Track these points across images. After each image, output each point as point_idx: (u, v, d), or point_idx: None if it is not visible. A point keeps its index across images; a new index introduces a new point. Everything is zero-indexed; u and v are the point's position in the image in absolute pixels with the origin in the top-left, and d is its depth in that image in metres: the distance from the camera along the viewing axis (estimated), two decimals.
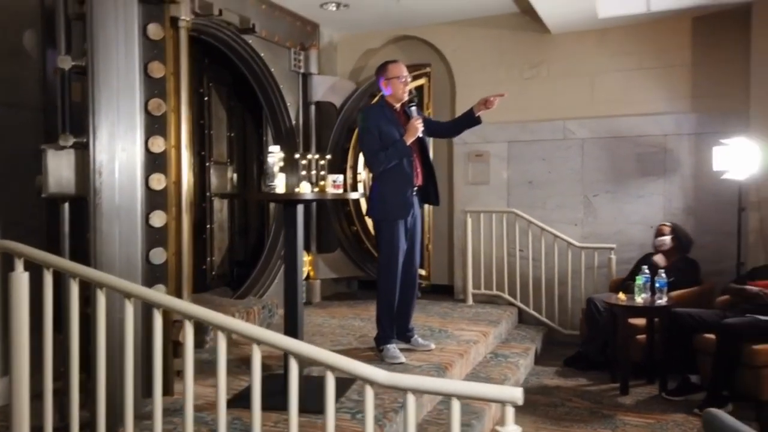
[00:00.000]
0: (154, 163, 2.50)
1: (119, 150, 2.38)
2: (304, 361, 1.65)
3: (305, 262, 5.33)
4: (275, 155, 2.83)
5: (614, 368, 4.03)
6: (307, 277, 5.36)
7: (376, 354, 3.62)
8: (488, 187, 5.48)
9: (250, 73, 4.86)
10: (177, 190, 2.59)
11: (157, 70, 2.47)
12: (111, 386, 2.10)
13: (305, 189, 2.97)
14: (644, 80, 4.92)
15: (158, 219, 2.50)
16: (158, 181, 2.49)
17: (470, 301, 5.27)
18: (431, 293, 5.54)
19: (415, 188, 3.44)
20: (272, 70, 4.87)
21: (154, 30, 2.46)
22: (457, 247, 5.56)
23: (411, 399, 1.49)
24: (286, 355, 1.64)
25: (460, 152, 5.56)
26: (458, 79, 5.54)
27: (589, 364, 4.32)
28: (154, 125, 2.49)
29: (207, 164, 5.13)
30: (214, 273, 5.23)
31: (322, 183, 3.19)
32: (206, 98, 5.12)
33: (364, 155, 3.53)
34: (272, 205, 5.26)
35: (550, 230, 5.04)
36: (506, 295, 5.22)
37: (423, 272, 5.48)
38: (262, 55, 4.75)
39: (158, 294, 1.85)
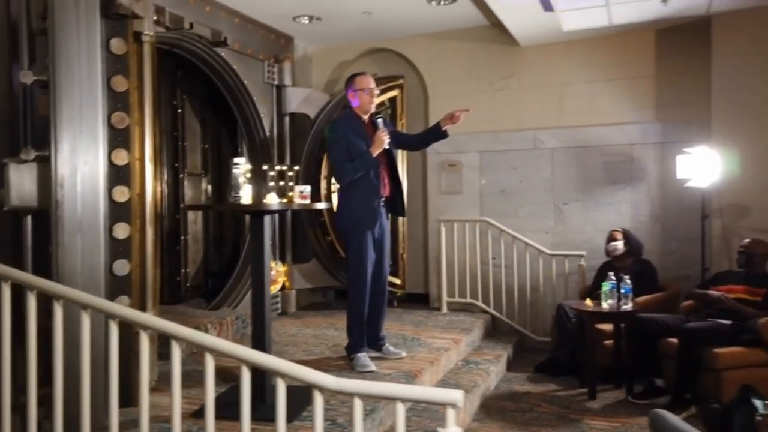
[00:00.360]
0: (118, 175, 2.53)
1: (81, 163, 2.40)
2: (257, 369, 1.68)
3: (281, 272, 5.36)
4: (241, 167, 2.87)
5: (583, 373, 4.10)
6: (283, 288, 5.38)
7: (347, 363, 3.65)
8: (462, 196, 5.55)
9: (223, 85, 4.90)
10: (141, 202, 2.62)
11: (120, 84, 2.51)
12: (75, 398, 2.11)
13: (272, 200, 3.00)
14: (611, 91, 5.04)
15: (122, 231, 2.52)
16: (122, 194, 2.51)
17: (445, 309, 5.32)
18: (407, 302, 5.59)
19: (382, 199, 3.49)
20: (245, 82, 4.91)
21: (117, 45, 2.50)
22: (431, 256, 5.62)
23: (358, 403, 1.53)
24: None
25: (434, 162, 5.63)
26: (431, 90, 5.63)
27: (560, 369, 4.38)
28: (118, 138, 2.52)
29: (180, 176, 5.15)
30: (188, 284, 5.22)
31: (290, 194, 3.23)
32: (180, 110, 5.14)
33: (331, 167, 3.58)
34: (247, 217, 5.28)
35: (522, 238, 5.12)
36: (480, 303, 5.27)
37: (398, 281, 5.53)
38: (234, 67, 4.79)
39: (114, 305, 1.88)
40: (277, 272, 5.28)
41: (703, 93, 4.69)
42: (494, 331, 5.23)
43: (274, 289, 5.27)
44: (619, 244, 4.44)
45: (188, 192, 5.23)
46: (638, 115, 4.96)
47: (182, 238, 5.16)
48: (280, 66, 5.28)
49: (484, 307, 5.26)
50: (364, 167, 3.36)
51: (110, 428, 1.87)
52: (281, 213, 5.27)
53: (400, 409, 1.48)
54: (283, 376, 1.60)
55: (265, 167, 3.29)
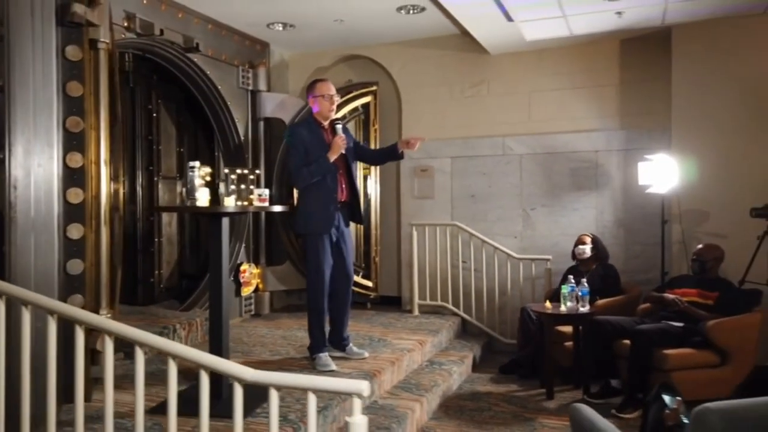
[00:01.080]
0: (72, 177, 2.61)
1: (35, 165, 2.48)
2: (184, 362, 1.76)
3: (254, 274, 5.44)
4: (196, 170, 2.96)
5: (542, 374, 4.18)
6: (256, 290, 5.45)
7: (309, 363, 3.73)
8: (433, 201, 5.65)
9: (197, 90, 4.99)
10: (96, 204, 2.70)
11: (76, 89, 2.59)
12: (18, 393, 2.18)
13: (229, 203, 3.09)
14: (576, 99, 5.16)
15: (76, 231, 2.60)
16: (76, 195, 2.60)
17: (416, 311, 5.40)
18: (380, 304, 5.68)
19: (339, 204, 3.57)
20: (220, 87, 5.01)
21: (73, 51, 2.59)
22: (404, 259, 5.71)
23: (274, 394, 1.61)
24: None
25: (407, 167, 5.73)
26: (404, 96, 5.73)
27: (525, 371, 4.47)
28: (72, 141, 2.61)
29: (155, 179, 5.23)
30: (162, 286, 5.29)
31: (251, 197, 3.32)
32: (155, 114, 5.23)
33: (289, 171, 3.67)
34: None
35: (491, 242, 5.21)
36: (450, 306, 5.36)
37: (370, 284, 5.63)
38: (208, 72, 4.88)
39: (52, 301, 1.96)
40: (250, 274, 5.36)
41: (664, 102, 4.81)
42: (464, 333, 5.32)
43: (248, 291, 5.36)
44: (587, 248, 4.55)
45: (163, 195, 5.31)
46: (603, 122, 5.08)
47: (156, 240, 5.23)
48: (254, 71, 5.38)
49: (455, 309, 5.35)
50: (321, 172, 3.44)
51: (47, 422, 1.95)
52: (255, 215, 5.36)
53: (312, 400, 1.57)
54: (207, 368, 1.68)
55: (226, 170, 3.38)
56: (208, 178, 3.16)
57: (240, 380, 1.63)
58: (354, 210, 3.67)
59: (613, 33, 4.71)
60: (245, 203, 3.25)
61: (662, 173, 4.48)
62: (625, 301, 4.42)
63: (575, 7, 3.84)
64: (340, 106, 5.53)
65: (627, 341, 3.79)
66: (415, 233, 5.40)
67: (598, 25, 4.35)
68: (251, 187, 3.41)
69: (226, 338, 3.06)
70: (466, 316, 5.32)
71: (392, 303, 5.76)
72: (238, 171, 3.40)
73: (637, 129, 4.96)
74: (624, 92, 5.02)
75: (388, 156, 3.80)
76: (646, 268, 4.87)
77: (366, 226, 5.66)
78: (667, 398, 2.01)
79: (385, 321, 5.12)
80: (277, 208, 3.23)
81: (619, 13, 3.91)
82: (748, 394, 1.53)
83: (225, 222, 3.08)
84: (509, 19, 4.09)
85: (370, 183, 5.68)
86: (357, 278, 5.52)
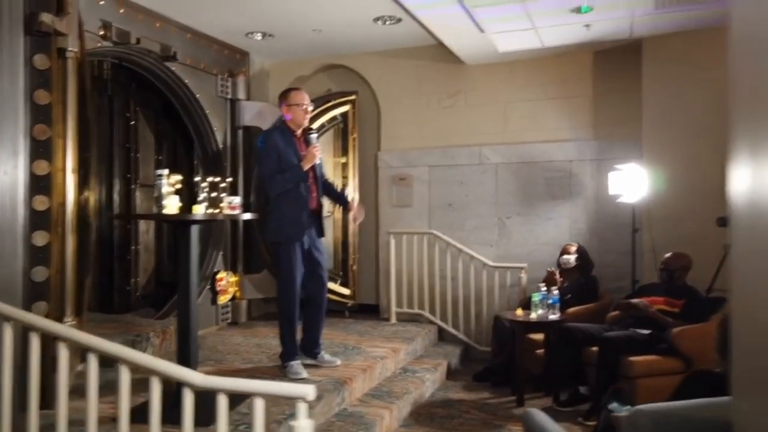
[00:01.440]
0: (38, 185, 2.62)
1: (0, 173, 2.50)
2: (135, 368, 1.78)
3: (232, 282, 5.44)
4: (164, 178, 2.98)
5: (513, 381, 4.22)
6: (234, 298, 5.46)
7: (280, 371, 3.74)
8: (411, 209, 5.70)
9: (175, 98, 5.02)
10: (62, 211, 2.72)
11: (43, 97, 2.62)
12: None
13: (198, 210, 3.11)
14: (551, 109, 5.24)
15: (41, 238, 2.61)
16: (41, 203, 2.61)
17: (393, 319, 5.43)
18: (359, 312, 5.70)
19: (311, 212, 3.60)
20: (198, 95, 5.04)
21: (40, 60, 2.61)
22: (382, 267, 5.74)
23: (223, 399, 1.64)
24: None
25: (385, 176, 5.78)
26: (383, 105, 5.79)
27: (498, 378, 4.50)
28: (39, 149, 2.63)
29: (133, 186, 5.23)
30: (138, 294, 5.28)
31: (222, 205, 3.35)
32: (132, 122, 5.24)
33: (262, 177, 3.70)
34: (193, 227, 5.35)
35: (467, 250, 5.26)
36: (427, 314, 5.39)
37: (347, 292, 5.65)
38: (186, 81, 4.91)
39: (8, 307, 1.97)
40: (227, 282, 5.37)
41: (635, 112, 4.90)
42: (441, 341, 5.34)
43: (225, 299, 5.36)
44: (571, 258, 4.60)
45: (141, 202, 5.31)
46: (576, 133, 5.16)
47: (133, 247, 5.23)
48: (234, 80, 5.42)
49: (431, 317, 5.38)
50: (294, 180, 3.47)
51: (2, 430, 1.96)
52: (233, 223, 5.37)
53: (259, 404, 1.60)
54: (158, 374, 1.70)
55: (197, 179, 3.40)
56: (178, 186, 3.19)
57: (191, 386, 1.66)
58: (319, 223, 3.70)
59: (585, 45, 4.81)
60: (216, 211, 3.28)
61: (632, 183, 4.56)
62: (595, 309, 4.47)
63: (544, 20, 3.92)
64: (319, 115, 5.60)
65: (595, 348, 3.85)
66: (392, 241, 5.43)
67: (568, 37, 4.44)
68: (222, 195, 3.44)
69: (194, 345, 3.07)
70: (442, 324, 5.35)
71: (370, 311, 5.78)
72: (209, 179, 3.43)
73: (610, 139, 5.05)
74: (597, 103, 5.12)
75: (339, 201, 4.00)
76: (618, 277, 4.93)
77: (344, 234, 5.70)
78: (614, 404, 2.07)
79: (362, 329, 5.14)
80: (247, 216, 3.26)
81: (587, 25, 4.00)
82: (684, 398, 1.58)
83: (194, 230, 3.10)
84: (481, 30, 4.16)
85: (348, 191, 5.71)
86: (335, 286, 5.54)
